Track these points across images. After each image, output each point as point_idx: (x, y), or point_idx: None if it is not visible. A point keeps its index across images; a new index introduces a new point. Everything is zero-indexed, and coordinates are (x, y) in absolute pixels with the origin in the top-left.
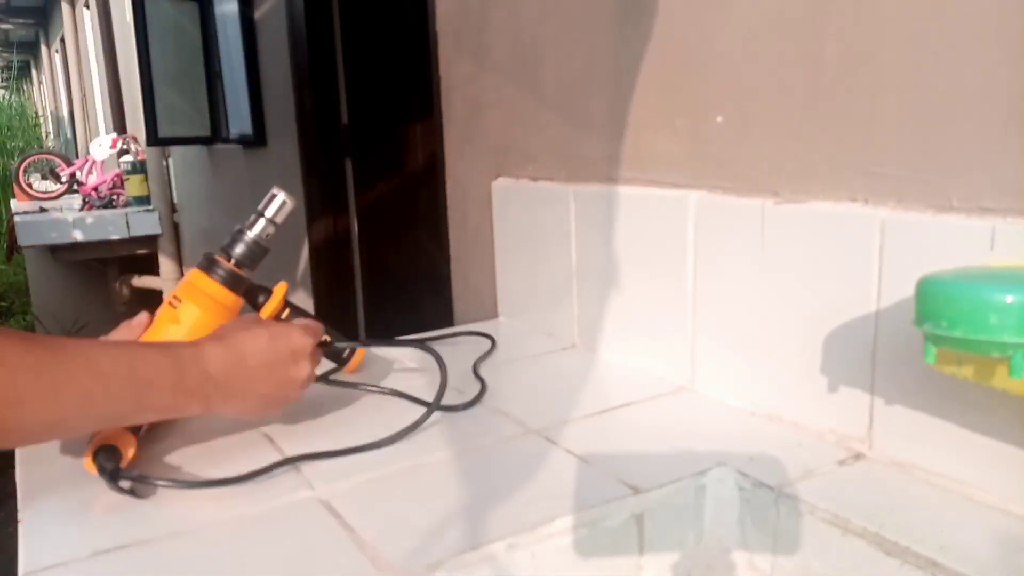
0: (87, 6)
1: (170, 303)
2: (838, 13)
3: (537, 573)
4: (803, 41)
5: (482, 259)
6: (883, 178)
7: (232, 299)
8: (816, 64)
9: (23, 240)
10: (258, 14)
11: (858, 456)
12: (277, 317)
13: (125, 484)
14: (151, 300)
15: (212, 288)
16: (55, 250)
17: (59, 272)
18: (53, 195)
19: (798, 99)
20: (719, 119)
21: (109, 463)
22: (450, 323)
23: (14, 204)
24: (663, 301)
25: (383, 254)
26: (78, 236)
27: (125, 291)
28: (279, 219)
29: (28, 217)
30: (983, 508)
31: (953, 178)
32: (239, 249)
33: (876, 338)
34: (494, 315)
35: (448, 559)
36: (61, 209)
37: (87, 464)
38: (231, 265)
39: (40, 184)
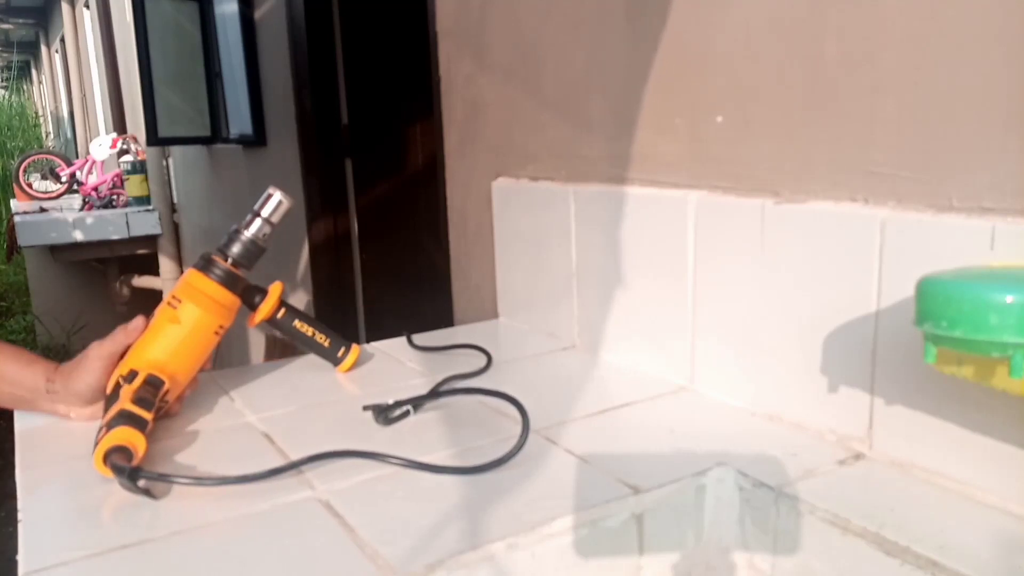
0: (87, 6)
1: (169, 303)
2: (838, 13)
3: (537, 573)
4: (803, 41)
5: (482, 259)
6: (883, 178)
7: (230, 298)
8: (816, 64)
9: (23, 240)
10: (258, 14)
11: (858, 456)
12: (273, 317)
13: (142, 483)
14: (151, 300)
15: (210, 288)
16: (55, 250)
17: (59, 272)
18: (53, 195)
19: (798, 99)
20: (719, 119)
21: (125, 463)
22: (450, 323)
23: (14, 204)
24: (663, 301)
25: (383, 254)
26: (78, 236)
27: (125, 291)
28: (275, 219)
29: (28, 217)
30: (983, 508)
31: (953, 178)
32: (236, 249)
33: (876, 338)
34: (494, 315)
35: (448, 559)
36: (61, 209)
37: (97, 465)
38: (228, 264)
39: (40, 184)
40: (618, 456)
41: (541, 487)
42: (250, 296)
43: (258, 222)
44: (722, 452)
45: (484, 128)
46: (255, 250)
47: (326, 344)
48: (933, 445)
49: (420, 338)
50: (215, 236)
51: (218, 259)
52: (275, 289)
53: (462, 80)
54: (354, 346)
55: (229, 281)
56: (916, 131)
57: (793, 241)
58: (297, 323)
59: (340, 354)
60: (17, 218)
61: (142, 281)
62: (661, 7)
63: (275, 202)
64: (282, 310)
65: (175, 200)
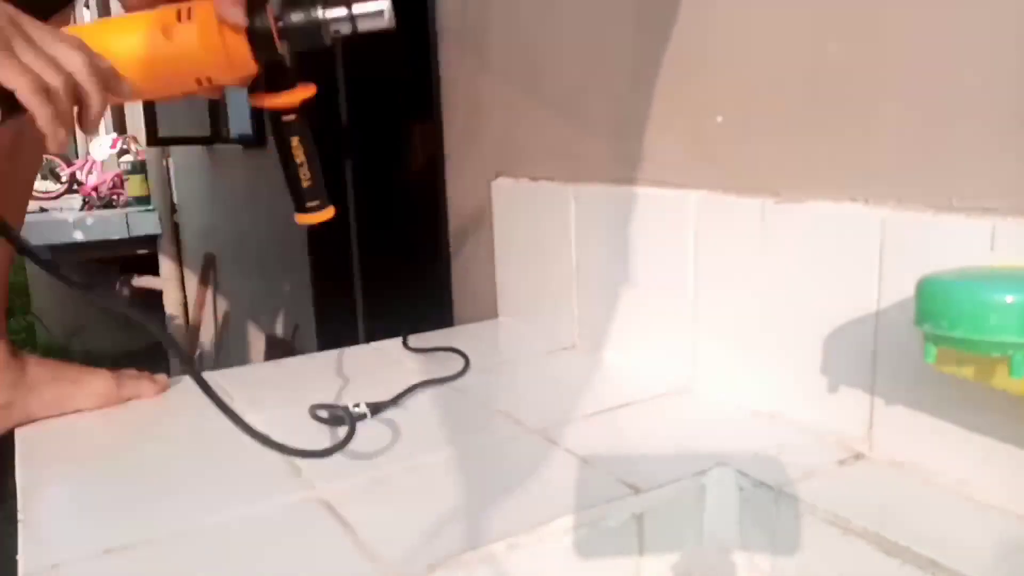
0: (87, 6)
1: (178, 10)
2: (838, 13)
3: (537, 573)
4: (803, 41)
5: (482, 259)
6: (883, 178)
7: (243, 53)
8: (816, 64)
9: None
10: None
11: (858, 456)
12: (281, 112)
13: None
14: (151, 300)
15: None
16: (55, 250)
17: None
18: (53, 195)
19: (798, 99)
20: (719, 119)
21: None
22: (450, 323)
23: None
24: (663, 301)
25: (383, 254)
26: (78, 236)
27: (125, 291)
28: (361, 24)
29: (28, 217)
30: (983, 508)
31: (953, 178)
32: (296, 16)
33: (876, 338)
34: (494, 315)
35: (448, 559)
36: (61, 209)
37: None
38: (271, 19)
39: (40, 184)
40: (618, 456)
41: (541, 487)
42: (273, 73)
43: (341, 10)
44: (722, 452)
45: (484, 128)
46: (314, 33)
47: (305, 184)
48: (933, 445)
49: (418, 338)
50: (215, 236)
51: (268, 9)
52: (307, 88)
53: (462, 80)
54: (331, 208)
55: (257, 34)
56: (916, 131)
57: (793, 241)
58: (296, 140)
59: (310, 203)
60: None
61: (142, 281)
62: (661, 7)
63: (374, 7)
64: (294, 115)
65: (175, 200)
